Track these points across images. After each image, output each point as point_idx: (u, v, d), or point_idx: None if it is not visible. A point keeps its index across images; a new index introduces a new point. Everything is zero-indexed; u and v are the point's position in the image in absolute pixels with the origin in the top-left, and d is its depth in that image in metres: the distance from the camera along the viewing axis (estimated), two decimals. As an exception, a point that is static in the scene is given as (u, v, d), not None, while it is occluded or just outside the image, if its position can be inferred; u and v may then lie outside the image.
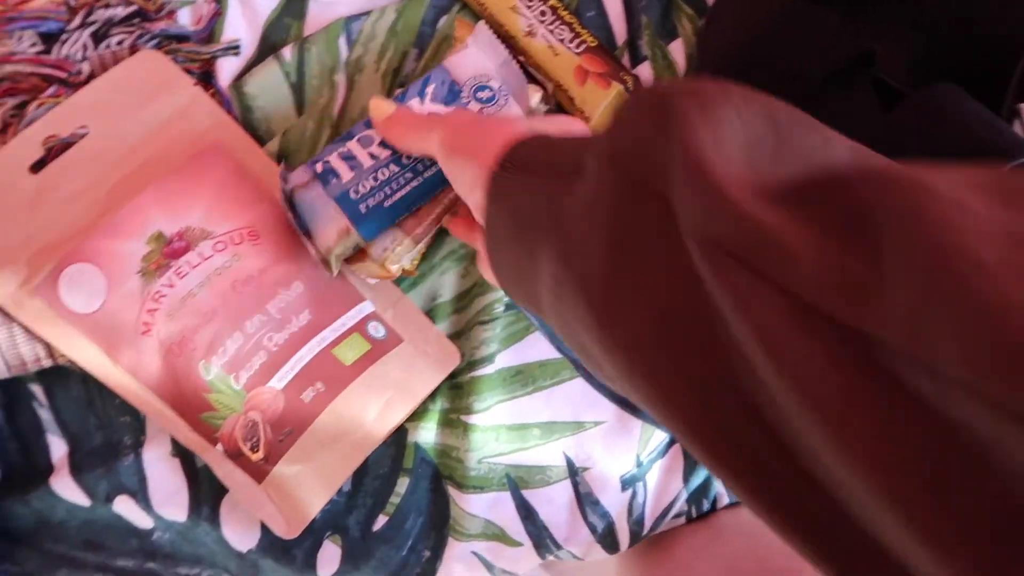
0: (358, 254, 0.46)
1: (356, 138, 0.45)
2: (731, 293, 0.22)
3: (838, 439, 0.20)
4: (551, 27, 0.52)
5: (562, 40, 0.52)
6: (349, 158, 0.45)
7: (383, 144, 0.45)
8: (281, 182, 0.46)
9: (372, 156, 0.45)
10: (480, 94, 0.46)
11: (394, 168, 0.44)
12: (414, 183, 0.44)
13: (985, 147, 0.41)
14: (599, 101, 0.51)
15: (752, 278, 0.22)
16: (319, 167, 0.45)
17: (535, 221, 0.32)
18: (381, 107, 0.44)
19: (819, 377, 0.20)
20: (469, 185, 0.37)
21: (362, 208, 0.44)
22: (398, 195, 0.44)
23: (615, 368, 0.28)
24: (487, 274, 0.40)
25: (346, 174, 0.44)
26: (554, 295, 0.31)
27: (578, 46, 0.52)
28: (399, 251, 0.45)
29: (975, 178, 0.21)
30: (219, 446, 0.46)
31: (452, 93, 0.46)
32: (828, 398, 0.20)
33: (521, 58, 0.52)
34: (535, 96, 0.48)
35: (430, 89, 0.47)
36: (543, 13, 0.52)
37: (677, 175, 0.25)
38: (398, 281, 0.51)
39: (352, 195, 0.44)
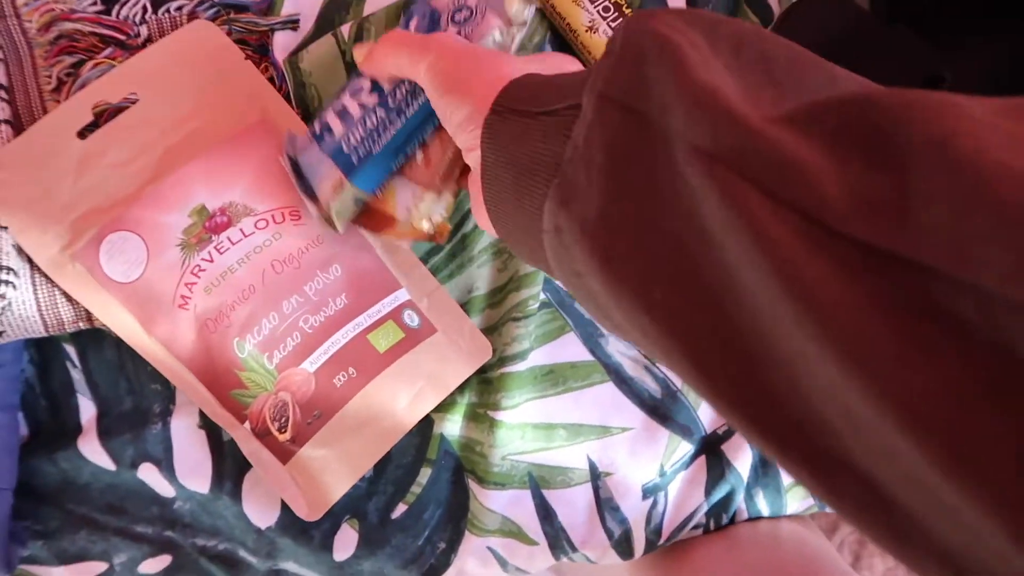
0: (386, 220, 0.45)
1: (347, 89, 0.44)
2: (742, 218, 0.21)
3: (864, 371, 0.18)
4: (613, 24, 0.51)
5: None
6: (341, 112, 0.44)
7: (372, 90, 0.43)
8: (286, 147, 0.45)
9: (361, 105, 0.43)
10: (458, 16, 0.45)
11: (380, 113, 0.43)
12: (399, 123, 0.43)
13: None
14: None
15: (766, 200, 0.20)
16: (316, 127, 0.44)
17: (532, 167, 0.31)
18: (362, 48, 0.43)
19: (844, 305, 0.19)
20: (459, 124, 0.36)
21: (354, 159, 0.43)
22: (385, 138, 0.43)
23: (621, 312, 0.27)
24: (483, 222, 0.38)
25: (338, 128, 0.43)
26: (557, 243, 0.29)
27: None
28: (423, 207, 0.44)
29: (1004, 104, 0.20)
30: (247, 424, 0.46)
31: (432, 21, 0.45)
32: (851, 325, 0.19)
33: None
34: (513, 4, 0.46)
35: (413, 23, 0.46)
36: (606, 9, 0.51)
37: (677, 102, 0.24)
38: (435, 271, 0.51)
39: (344, 148, 0.43)
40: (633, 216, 0.25)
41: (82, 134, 0.47)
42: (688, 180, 0.23)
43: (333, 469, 0.46)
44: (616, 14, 0.51)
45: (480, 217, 0.41)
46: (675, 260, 0.24)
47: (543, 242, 0.31)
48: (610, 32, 0.51)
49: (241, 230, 0.46)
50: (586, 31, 0.51)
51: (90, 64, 0.49)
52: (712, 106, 0.23)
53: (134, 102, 0.48)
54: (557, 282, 0.51)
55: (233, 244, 0.46)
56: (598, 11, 0.51)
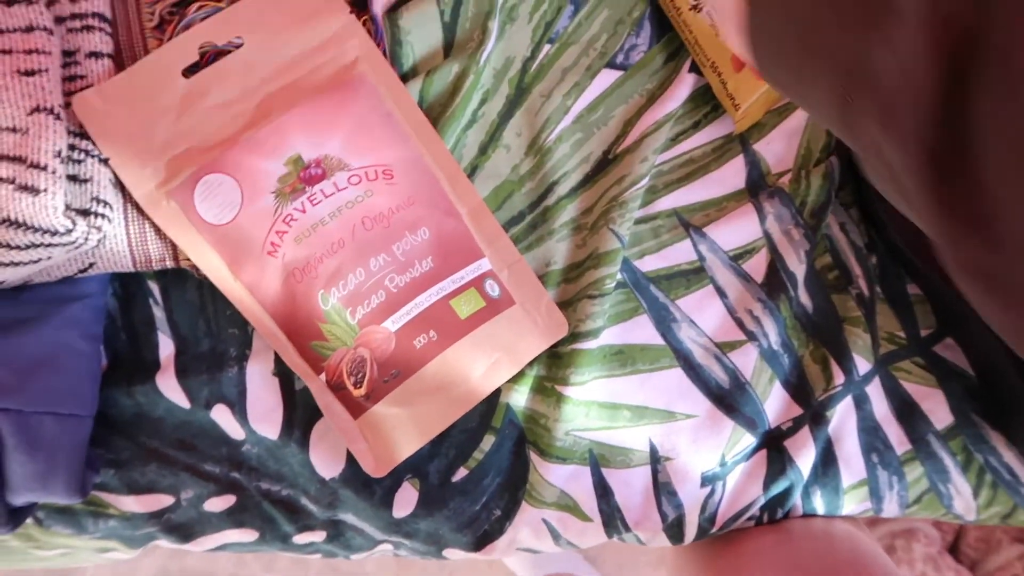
0: None
1: None
2: None
3: None
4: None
5: None
6: None
7: None
8: None
9: None
10: None
11: None
12: None
13: None
14: (752, 91, 0.50)
15: None
16: None
17: (834, 57, 0.30)
18: None
19: None
20: None
21: None
22: None
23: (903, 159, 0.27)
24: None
25: None
26: (873, 151, 0.29)
27: None
28: None
29: None
30: (323, 376, 0.47)
31: None
32: None
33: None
34: None
35: None
36: None
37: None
38: (515, 241, 0.51)
39: None
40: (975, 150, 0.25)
41: (187, 72, 0.47)
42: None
43: (404, 429, 0.47)
44: (723, -1, 0.51)
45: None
46: None
47: (843, 124, 0.30)
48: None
49: (335, 184, 0.47)
50: (689, 8, 0.51)
51: (195, 5, 0.49)
52: None
53: (238, 46, 0.48)
54: (635, 263, 0.52)
55: (326, 197, 0.46)
56: (706, -7, 0.51)
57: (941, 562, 1.06)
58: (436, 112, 0.51)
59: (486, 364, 0.48)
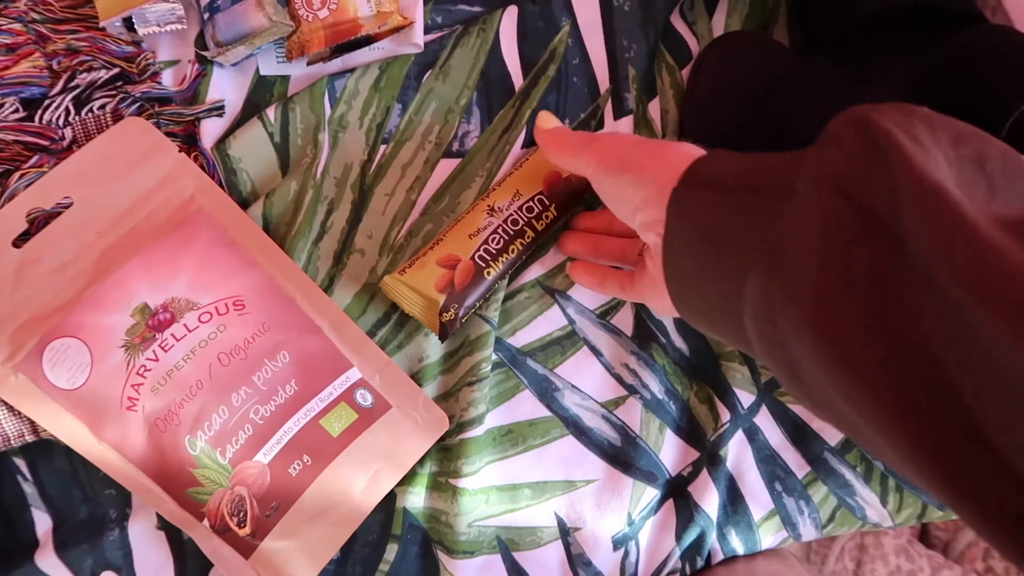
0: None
1: None
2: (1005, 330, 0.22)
3: None
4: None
5: None
6: None
7: None
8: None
9: None
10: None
11: None
12: None
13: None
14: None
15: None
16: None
17: (734, 241, 0.32)
18: (546, 119, 0.50)
19: None
20: (637, 203, 0.38)
21: None
22: None
23: (830, 381, 0.28)
24: (655, 302, 0.42)
25: None
26: (762, 313, 0.31)
27: None
28: None
29: None
30: (206, 521, 0.45)
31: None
32: None
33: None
34: None
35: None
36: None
37: (906, 200, 0.25)
38: (382, 345, 0.51)
39: None
40: (855, 300, 0.27)
41: (16, 243, 0.46)
42: (916, 284, 0.25)
43: (297, 560, 0.46)
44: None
45: (651, 296, 0.44)
46: (901, 335, 0.25)
47: (742, 313, 0.32)
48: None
49: (185, 325, 0.46)
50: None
51: (17, 174, 0.48)
52: (942, 208, 0.24)
53: (68, 206, 0.48)
54: (508, 341, 0.52)
55: (178, 340, 0.46)
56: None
57: (913, 551, 1.07)
58: (282, 232, 0.51)
59: (367, 477, 0.47)
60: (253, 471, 0.45)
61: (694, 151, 0.37)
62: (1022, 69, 0.46)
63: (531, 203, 0.51)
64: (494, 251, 0.50)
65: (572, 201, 0.52)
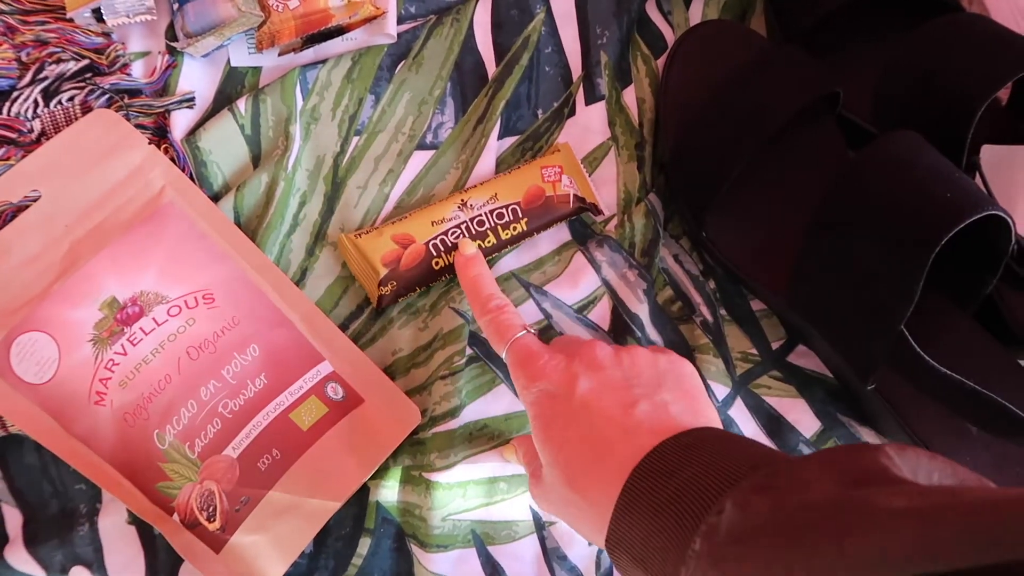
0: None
1: None
2: None
3: None
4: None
5: None
6: None
7: None
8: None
9: None
10: None
11: None
12: None
13: (938, 202, 0.41)
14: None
15: None
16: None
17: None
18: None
19: None
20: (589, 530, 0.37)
21: None
22: None
23: None
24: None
25: None
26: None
27: None
28: None
29: None
30: (175, 516, 0.45)
31: None
32: None
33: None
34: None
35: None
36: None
37: None
38: (355, 338, 0.51)
39: None
40: None
41: (-18, 238, 0.46)
42: None
43: (267, 554, 0.46)
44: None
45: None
46: None
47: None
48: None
49: (154, 319, 0.46)
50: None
51: (-16, 167, 0.48)
52: None
53: (36, 199, 0.47)
54: (483, 335, 0.51)
55: (146, 334, 0.46)
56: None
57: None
58: (254, 225, 0.50)
59: (338, 472, 0.47)
60: (222, 465, 0.45)
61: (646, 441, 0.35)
62: (994, 58, 0.46)
63: (504, 210, 0.51)
64: (450, 244, 0.49)
65: (546, 222, 0.52)
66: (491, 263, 0.53)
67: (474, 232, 0.50)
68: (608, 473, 0.35)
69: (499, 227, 0.51)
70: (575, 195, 0.53)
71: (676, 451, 0.33)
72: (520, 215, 0.51)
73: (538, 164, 0.53)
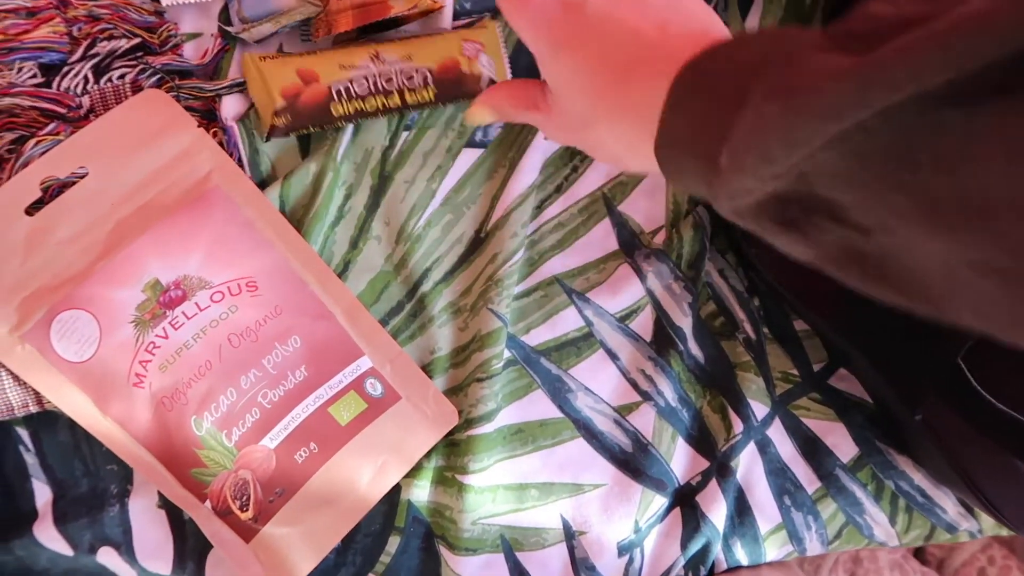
0: None
1: None
2: None
3: None
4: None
5: None
6: None
7: None
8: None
9: None
10: None
11: None
12: None
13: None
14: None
15: None
16: None
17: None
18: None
19: None
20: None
21: None
22: None
23: None
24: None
25: None
26: None
27: None
28: None
29: None
30: (207, 503, 0.45)
31: None
32: None
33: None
34: None
35: None
36: None
37: None
38: (394, 334, 0.50)
39: None
40: None
41: (29, 211, 0.45)
42: None
43: (298, 547, 0.45)
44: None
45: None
46: None
47: None
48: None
49: (196, 304, 0.45)
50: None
51: (33, 141, 0.47)
52: None
53: (83, 176, 0.47)
54: (522, 339, 0.51)
55: (188, 319, 0.45)
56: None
57: (908, 567, 1.06)
58: (299, 214, 0.50)
59: (373, 469, 0.47)
60: (259, 455, 0.45)
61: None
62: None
63: (414, 73, 0.50)
64: (353, 93, 0.48)
65: (455, 95, 0.51)
66: (395, 125, 0.52)
67: (381, 88, 0.49)
68: (649, 76, 0.31)
69: (406, 89, 0.49)
70: (490, 78, 0.51)
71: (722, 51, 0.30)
72: (430, 82, 0.50)
73: (460, 35, 0.51)
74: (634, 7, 0.33)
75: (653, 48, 0.32)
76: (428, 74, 0.50)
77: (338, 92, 0.48)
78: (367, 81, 0.48)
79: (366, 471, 0.46)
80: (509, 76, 0.53)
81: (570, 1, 0.34)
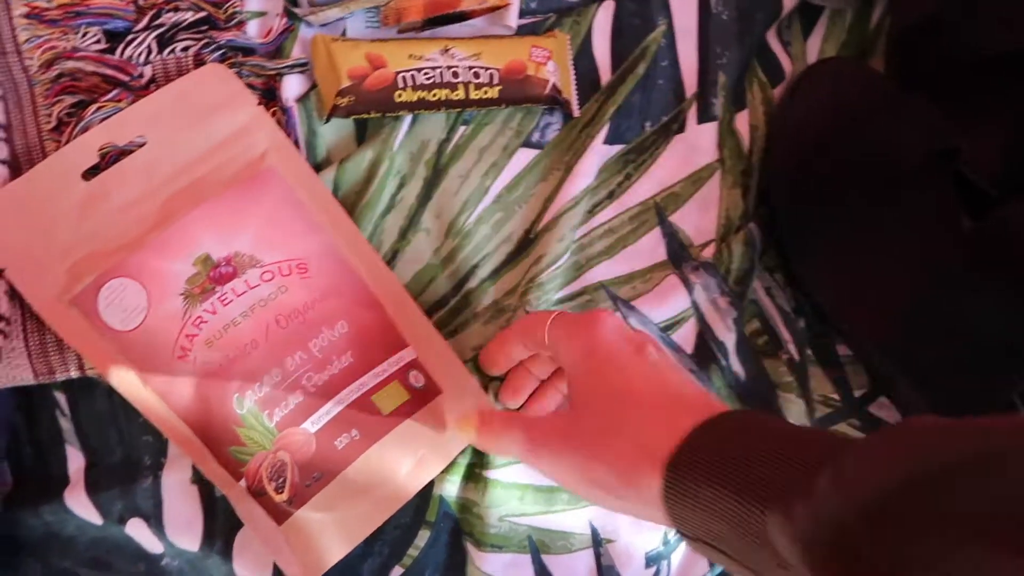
0: None
1: None
2: None
3: None
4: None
5: None
6: None
7: None
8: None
9: None
10: None
11: None
12: None
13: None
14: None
15: None
16: None
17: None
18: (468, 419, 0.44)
19: None
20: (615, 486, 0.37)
21: None
22: None
23: None
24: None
25: None
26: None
27: None
28: None
29: None
30: (243, 482, 0.44)
31: None
32: None
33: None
34: None
35: None
36: None
37: None
38: (439, 327, 0.50)
39: None
40: None
41: (86, 176, 0.45)
42: None
43: (330, 533, 0.45)
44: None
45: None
46: None
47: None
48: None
49: (247, 282, 0.45)
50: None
51: (94, 106, 0.47)
52: None
53: (141, 145, 0.47)
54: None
55: (237, 296, 0.45)
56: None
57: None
58: (352, 200, 0.50)
59: (412, 461, 0.46)
60: (299, 438, 0.44)
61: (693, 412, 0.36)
62: None
63: (481, 71, 0.50)
64: (418, 83, 0.48)
65: (518, 98, 0.51)
66: (453, 119, 0.52)
67: (447, 81, 0.49)
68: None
69: (472, 84, 0.50)
70: (554, 84, 0.52)
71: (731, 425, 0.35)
72: (496, 81, 0.50)
73: (530, 41, 0.52)
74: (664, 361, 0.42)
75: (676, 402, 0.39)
76: (495, 73, 0.50)
77: (404, 79, 0.48)
78: (434, 73, 0.48)
79: (405, 463, 0.46)
80: (574, 85, 0.53)
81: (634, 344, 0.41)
